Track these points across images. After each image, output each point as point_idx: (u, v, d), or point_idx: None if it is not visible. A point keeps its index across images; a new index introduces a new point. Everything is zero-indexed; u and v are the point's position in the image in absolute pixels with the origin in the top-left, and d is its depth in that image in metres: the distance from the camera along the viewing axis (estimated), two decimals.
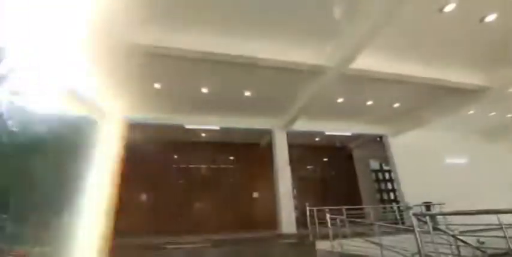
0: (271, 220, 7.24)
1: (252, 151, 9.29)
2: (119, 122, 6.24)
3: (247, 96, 5.93)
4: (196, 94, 5.73)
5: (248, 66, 4.52)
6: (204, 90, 5.55)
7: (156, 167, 8.45)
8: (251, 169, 9.07)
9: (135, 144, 8.11)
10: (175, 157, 8.86)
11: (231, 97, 5.99)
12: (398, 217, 6.74)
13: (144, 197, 8.13)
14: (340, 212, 5.41)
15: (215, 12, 3.60)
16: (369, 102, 6.52)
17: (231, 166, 9.16)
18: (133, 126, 6.80)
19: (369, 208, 7.07)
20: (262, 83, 5.36)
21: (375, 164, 11.22)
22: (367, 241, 4.30)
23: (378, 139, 8.78)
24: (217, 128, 7.12)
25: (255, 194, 8.76)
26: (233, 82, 5.33)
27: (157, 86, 5.31)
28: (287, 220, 6.38)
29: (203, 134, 8.30)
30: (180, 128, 7.10)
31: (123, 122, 6.33)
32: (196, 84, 5.36)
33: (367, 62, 4.42)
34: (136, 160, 7.70)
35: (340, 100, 6.31)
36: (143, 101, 6.02)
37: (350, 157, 10.27)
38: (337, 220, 4.80)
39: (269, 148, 7.75)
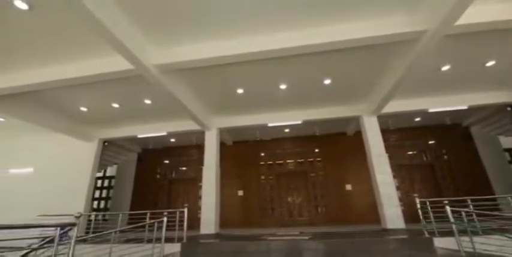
0: (371, 214, 6.71)
1: (339, 141, 8.82)
2: (217, 130, 7.23)
3: (327, 85, 5.63)
4: (275, 92, 5.87)
5: (325, 53, 4.27)
6: (282, 86, 5.62)
7: (245, 165, 9.18)
8: (340, 160, 8.63)
9: (226, 146, 9.11)
10: (262, 154, 9.34)
11: (310, 88, 5.81)
12: None
13: (236, 193, 8.92)
14: (462, 204, 4.47)
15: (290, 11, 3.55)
16: (490, 63, 5.05)
17: (318, 159, 8.95)
18: (226, 131, 7.69)
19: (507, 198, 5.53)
20: (342, 67, 4.97)
21: (508, 142, 8.60)
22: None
23: (509, 108, 6.72)
24: (299, 122, 7.05)
25: (348, 187, 8.28)
26: (310, 72, 5.14)
27: (240, 91, 5.73)
28: (391, 214, 5.72)
29: (286, 130, 8.44)
30: (264, 127, 7.42)
31: (219, 130, 7.30)
32: (274, 82, 5.46)
33: (484, 10, 3.43)
34: (229, 160, 8.63)
35: (445, 68, 5.15)
36: (231, 107, 6.68)
37: (467, 136, 8.28)
38: (463, 213, 3.96)
39: (358, 135, 7.16)
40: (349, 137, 8.69)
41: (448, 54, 4.72)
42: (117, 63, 4.27)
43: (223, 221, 6.89)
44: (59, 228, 2.96)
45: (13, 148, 8.55)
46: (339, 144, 8.78)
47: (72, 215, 6.38)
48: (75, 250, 2.65)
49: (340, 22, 3.81)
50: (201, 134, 7.45)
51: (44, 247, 3.03)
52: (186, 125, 7.25)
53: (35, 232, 5.26)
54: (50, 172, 7.94)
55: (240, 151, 9.35)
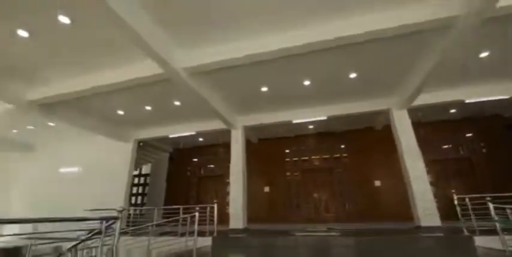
0: (403, 211, 6.46)
1: (366, 136, 8.56)
2: (242, 129, 7.41)
3: (352, 79, 5.48)
4: (299, 88, 5.86)
5: (350, 46, 4.17)
6: (306, 82, 5.59)
7: (271, 162, 9.28)
8: (368, 156, 8.39)
9: (252, 143, 9.25)
10: (287, 151, 9.37)
11: (334, 83, 5.72)
12: None
13: (262, 189, 9.06)
14: (504, 201, 4.13)
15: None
16: None
17: (345, 155, 8.77)
18: (251, 129, 7.85)
19: None
20: (369, 60, 4.82)
21: None
22: None
23: None
24: (324, 117, 6.97)
25: (377, 183, 8.02)
26: (335, 67, 5.05)
27: (264, 89, 5.82)
28: (426, 211, 5.45)
29: (310, 126, 8.38)
30: (289, 124, 7.45)
31: (244, 128, 7.47)
32: (298, 78, 5.46)
33: None
34: (254, 157, 8.78)
35: (484, 54, 4.77)
36: (256, 105, 6.79)
37: (509, 127, 7.58)
38: (508, 211, 3.68)
39: (387, 130, 6.90)
40: (377, 132, 8.39)
41: (487, 40, 4.36)
42: (149, 69, 4.62)
43: (251, 216, 7.07)
44: (104, 221, 3.32)
45: (62, 150, 9.50)
46: (367, 139, 8.52)
47: (113, 209, 7.01)
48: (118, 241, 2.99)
49: (371, 12, 3.69)
50: (227, 133, 7.68)
51: (93, 238, 3.41)
52: (213, 124, 7.55)
53: (82, 225, 5.87)
54: (93, 170, 8.72)
55: (265, 148, 9.47)
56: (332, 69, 5.11)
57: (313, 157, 9.10)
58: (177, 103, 6.50)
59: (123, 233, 4.91)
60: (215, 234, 5.40)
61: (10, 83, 5.25)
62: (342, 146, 8.87)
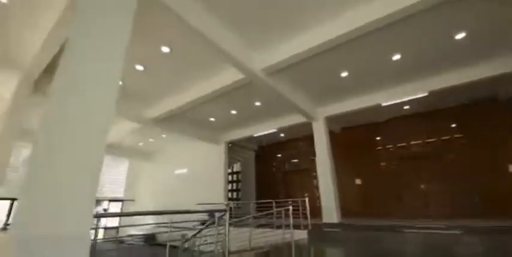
0: None
1: (487, 110, 6.73)
2: (324, 120, 7.20)
3: (459, 40, 4.36)
4: (386, 65, 5.16)
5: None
6: (396, 57, 4.84)
7: (359, 152, 8.57)
8: (492, 135, 6.57)
9: (335, 134, 8.85)
10: (378, 138, 8.44)
11: (435, 50, 4.68)
12: None
13: (354, 182, 8.45)
14: None
15: None
16: None
17: (457, 136, 7.16)
18: (333, 119, 7.50)
19: None
20: (483, 15, 3.79)
21: None
22: None
23: None
24: (424, 94, 5.86)
25: None
26: (434, 29, 4.14)
27: (344, 74, 5.45)
28: None
29: (406, 107, 7.25)
30: (377, 108, 6.69)
31: (326, 119, 7.24)
32: (384, 54, 4.79)
33: None
34: (340, 148, 8.33)
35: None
36: (336, 93, 6.43)
37: None
38: None
39: None
40: (504, 104, 6.49)
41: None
42: (232, 76, 5.12)
43: (344, 210, 6.75)
44: (216, 213, 3.91)
45: (173, 155, 11.58)
46: (488, 114, 6.70)
47: (217, 203, 8.06)
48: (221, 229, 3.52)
49: None
50: (307, 126, 7.59)
51: (209, 227, 4.06)
52: (294, 119, 7.62)
53: (192, 216, 6.95)
54: (197, 171, 10.24)
55: (351, 137, 8.83)
56: (429, 33, 4.20)
57: (412, 142, 7.83)
58: (257, 104, 6.88)
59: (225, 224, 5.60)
60: (310, 228, 5.42)
61: (133, 105, 6.78)
62: (453, 126, 7.28)
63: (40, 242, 1.45)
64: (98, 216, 2.00)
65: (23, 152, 8.42)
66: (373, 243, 4.30)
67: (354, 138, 8.80)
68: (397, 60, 4.95)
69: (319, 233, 5.25)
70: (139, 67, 5.00)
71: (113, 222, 10.20)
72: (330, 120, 7.46)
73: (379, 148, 8.34)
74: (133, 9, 2.24)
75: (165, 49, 4.44)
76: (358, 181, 8.41)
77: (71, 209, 1.61)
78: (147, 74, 5.29)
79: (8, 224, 6.31)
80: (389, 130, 8.21)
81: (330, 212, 6.32)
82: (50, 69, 4.59)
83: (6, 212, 7.95)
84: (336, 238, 4.91)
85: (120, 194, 11.88)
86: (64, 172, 1.63)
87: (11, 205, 8.28)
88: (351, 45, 4.30)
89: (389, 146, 8.18)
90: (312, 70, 5.20)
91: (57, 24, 3.48)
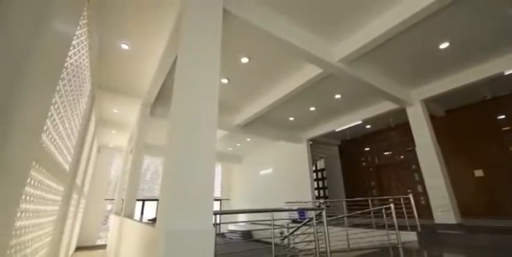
0: None
1: None
2: (421, 103, 6.21)
3: None
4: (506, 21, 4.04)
5: None
6: None
7: (476, 136, 6.95)
8: None
9: (437, 118, 7.52)
10: (502, 117, 6.66)
11: None
12: None
13: (471, 174, 6.89)
14: None
15: None
16: None
17: None
18: (432, 101, 6.42)
19: None
20: None
21: None
22: None
23: None
24: None
25: None
26: None
27: (443, 45, 4.57)
28: None
29: None
30: (496, 79, 5.29)
31: (424, 102, 6.25)
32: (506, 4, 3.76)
33: None
34: (446, 134, 7.01)
35: None
36: (433, 70, 5.46)
37: None
38: None
39: None
40: None
41: None
42: (309, 73, 5.10)
43: (462, 209, 5.58)
44: (313, 211, 3.96)
45: (259, 157, 12.30)
46: None
47: (303, 202, 8.05)
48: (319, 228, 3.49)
49: None
50: (397, 114, 6.69)
51: (307, 224, 4.14)
52: (380, 108, 6.91)
53: (282, 215, 7.10)
54: (282, 170, 10.52)
55: (461, 120, 7.27)
56: None
57: None
58: (337, 96, 6.55)
59: (319, 222, 5.50)
60: (419, 229, 4.75)
61: (221, 115, 7.56)
62: None
63: (180, 234, 1.83)
64: (217, 213, 2.36)
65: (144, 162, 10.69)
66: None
67: (464, 120, 7.22)
68: None
69: (433, 235, 4.53)
70: (224, 80, 5.53)
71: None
72: (429, 102, 6.37)
73: (506, 128, 6.54)
74: (220, 29, 2.59)
75: (244, 60, 4.79)
76: (478, 173, 6.82)
77: (199, 207, 1.97)
78: (231, 85, 5.80)
79: (152, 219, 7.81)
80: None
81: (444, 211, 5.35)
82: (160, 96, 5.95)
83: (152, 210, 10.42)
84: (457, 243, 4.12)
85: (218, 194, 13.43)
86: (190, 178, 2.01)
87: (143, 203, 10.60)
88: (450, 10, 3.59)
89: None
90: (400, 49, 4.58)
91: (165, 53, 4.24)
